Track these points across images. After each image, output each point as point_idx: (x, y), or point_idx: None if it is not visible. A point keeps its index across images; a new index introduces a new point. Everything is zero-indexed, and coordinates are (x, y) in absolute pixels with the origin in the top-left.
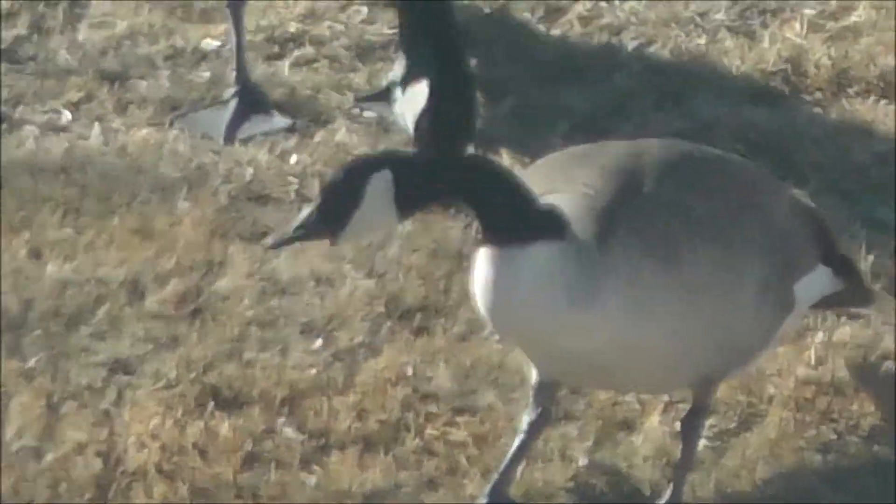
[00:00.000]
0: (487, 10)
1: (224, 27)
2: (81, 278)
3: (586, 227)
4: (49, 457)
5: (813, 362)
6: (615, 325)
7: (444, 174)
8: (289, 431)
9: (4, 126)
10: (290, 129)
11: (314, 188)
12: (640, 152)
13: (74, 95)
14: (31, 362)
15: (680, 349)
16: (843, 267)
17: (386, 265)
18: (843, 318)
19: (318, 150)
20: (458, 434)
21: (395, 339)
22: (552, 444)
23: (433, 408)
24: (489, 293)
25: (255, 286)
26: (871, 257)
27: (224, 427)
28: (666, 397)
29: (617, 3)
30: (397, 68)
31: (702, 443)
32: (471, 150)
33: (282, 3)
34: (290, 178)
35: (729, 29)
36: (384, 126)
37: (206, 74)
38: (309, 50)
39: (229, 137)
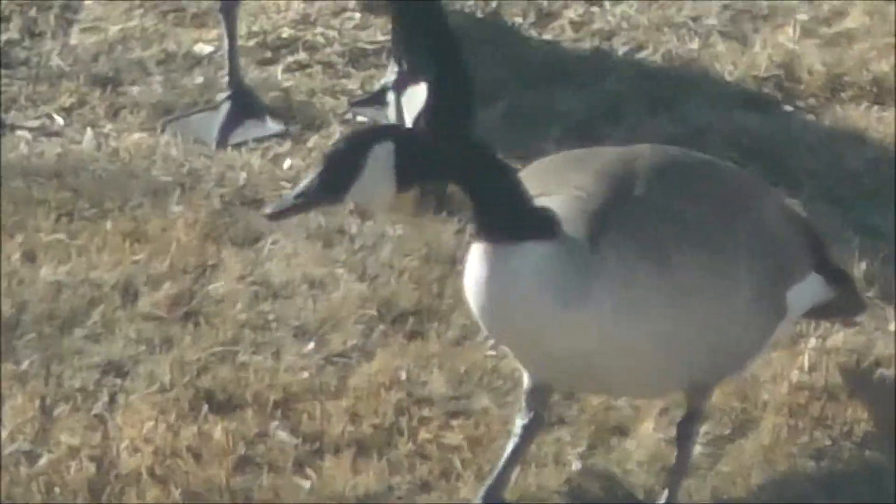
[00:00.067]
0: (479, 15)
1: (217, 31)
2: (75, 281)
3: (579, 229)
4: (43, 460)
5: (806, 368)
6: (607, 326)
7: (446, 154)
8: (282, 435)
9: None
10: (283, 135)
11: None
12: (633, 157)
13: (67, 100)
14: (25, 365)
15: (672, 351)
16: (836, 276)
17: (379, 269)
18: (836, 324)
19: (312, 155)
20: (452, 437)
21: (388, 342)
22: (546, 449)
23: (427, 412)
24: (482, 290)
25: (247, 289)
26: (864, 264)
27: (217, 430)
28: (660, 403)
29: (608, 7)
30: (390, 73)
31: (696, 448)
32: None
33: (274, 9)
34: (284, 183)
35: (721, 34)
36: None
37: (199, 79)
38: (302, 55)
39: (222, 142)
